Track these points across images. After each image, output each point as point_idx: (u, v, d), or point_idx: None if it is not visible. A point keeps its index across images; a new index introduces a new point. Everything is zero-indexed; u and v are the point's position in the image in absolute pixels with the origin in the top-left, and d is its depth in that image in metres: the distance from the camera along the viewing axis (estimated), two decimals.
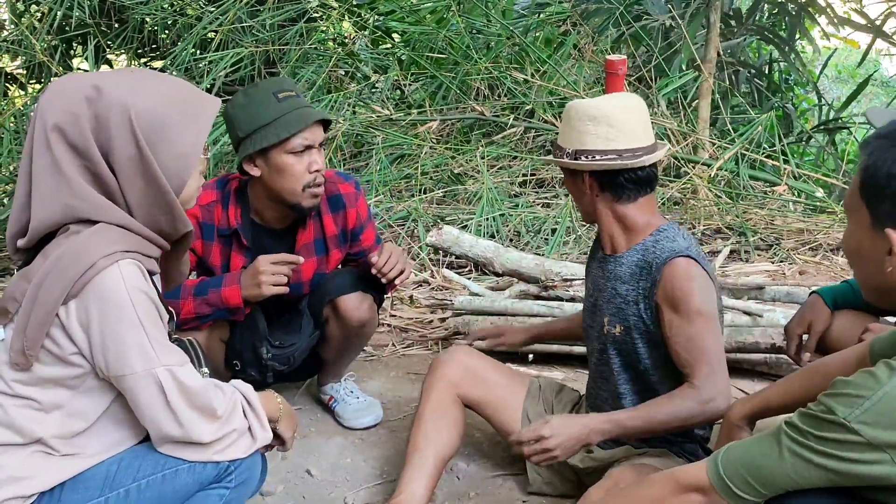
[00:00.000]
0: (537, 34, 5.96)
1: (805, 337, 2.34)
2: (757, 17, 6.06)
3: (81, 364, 1.68)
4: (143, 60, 6.22)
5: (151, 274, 1.74)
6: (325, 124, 2.51)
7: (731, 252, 4.30)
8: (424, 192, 4.81)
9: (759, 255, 4.29)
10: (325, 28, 5.93)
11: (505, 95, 5.44)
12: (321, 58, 5.39)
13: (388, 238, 4.42)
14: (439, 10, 5.69)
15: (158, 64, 5.98)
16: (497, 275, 3.70)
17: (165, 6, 5.64)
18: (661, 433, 2.12)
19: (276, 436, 1.90)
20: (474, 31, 5.67)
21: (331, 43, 6.04)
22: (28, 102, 5.24)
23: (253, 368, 2.61)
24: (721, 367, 2.05)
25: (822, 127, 5.97)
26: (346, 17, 5.94)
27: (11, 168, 4.85)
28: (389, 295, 3.19)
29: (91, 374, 1.70)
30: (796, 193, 4.98)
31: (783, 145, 5.04)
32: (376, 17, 6.12)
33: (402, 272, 2.55)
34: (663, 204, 4.71)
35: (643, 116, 2.15)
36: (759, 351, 2.97)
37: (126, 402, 1.72)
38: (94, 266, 1.62)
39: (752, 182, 4.99)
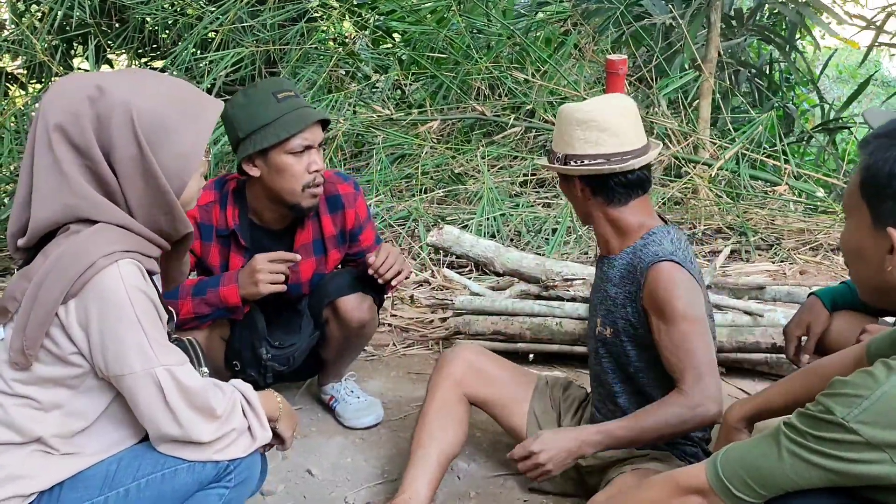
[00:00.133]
0: (538, 34, 5.95)
1: (804, 339, 2.35)
2: (757, 17, 6.05)
3: (81, 364, 1.68)
4: (143, 60, 6.21)
5: (151, 274, 1.74)
6: (324, 124, 2.52)
7: (732, 252, 4.30)
8: (425, 192, 4.81)
9: (759, 255, 4.29)
10: (325, 28, 5.92)
11: (505, 95, 5.43)
12: (322, 57, 5.39)
13: (389, 238, 4.42)
14: (440, 9, 5.68)
15: (159, 64, 5.98)
16: (498, 275, 3.69)
17: (166, 6, 5.64)
18: (653, 441, 2.11)
19: (276, 435, 1.90)
20: (475, 31, 5.67)
21: (331, 43, 6.04)
22: (29, 102, 5.24)
23: (252, 369, 2.61)
24: (710, 371, 2.03)
25: (822, 127, 5.96)
26: (347, 17, 5.94)
27: (12, 168, 4.85)
28: (389, 295, 3.19)
29: (90, 374, 1.70)
30: (797, 193, 4.98)
31: (784, 145, 5.04)
32: (377, 16, 6.12)
33: (399, 273, 2.55)
34: (664, 204, 4.70)
35: (633, 119, 2.13)
36: (760, 351, 2.97)
37: (125, 402, 1.72)
38: (94, 265, 1.62)
39: (753, 182, 4.99)
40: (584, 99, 2.25)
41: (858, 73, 9.29)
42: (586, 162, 2.08)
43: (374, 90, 5.81)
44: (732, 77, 5.87)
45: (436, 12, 5.78)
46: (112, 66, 6.28)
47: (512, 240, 4.43)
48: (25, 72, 5.91)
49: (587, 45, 5.68)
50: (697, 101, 5.29)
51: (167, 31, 5.71)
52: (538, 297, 3.38)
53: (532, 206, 4.71)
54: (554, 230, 4.39)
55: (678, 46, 5.39)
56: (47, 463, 1.71)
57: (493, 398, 2.42)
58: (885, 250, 1.40)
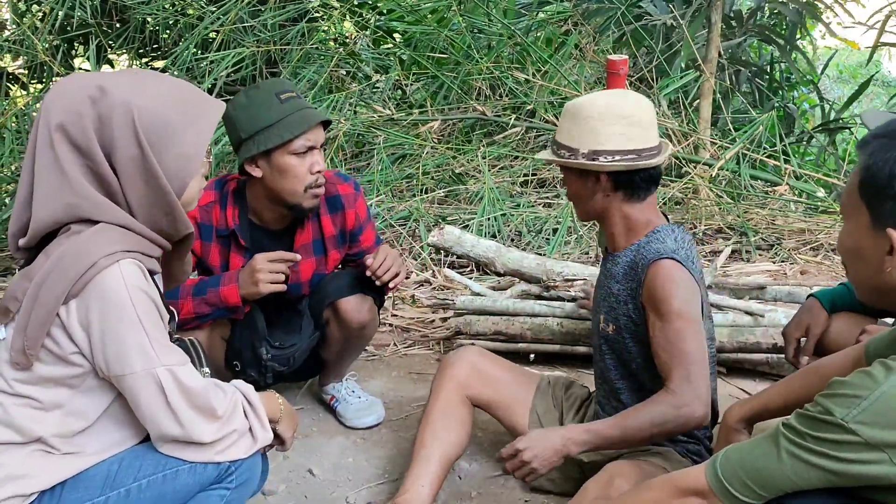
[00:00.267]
0: (538, 34, 5.96)
1: (803, 340, 2.35)
2: (757, 17, 6.05)
3: (82, 363, 1.68)
4: (144, 60, 6.22)
5: (152, 273, 1.74)
6: (325, 125, 2.52)
7: (733, 252, 4.30)
8: (426, 192, 4.81)
9: (760, 255, 4.29)
10: (326, 28, 5.93)
11: (506, 95, 5.43)
12: (322, 58, 5.39)
13: (390, 237, 4.42)
14: (440, 9, 5.68)
15: (160, 64, 5.98)
16: (498, 275, 3.69)
17: (167, 6, 5.64)
18: (642, 441, 2.09)
19: (277, 436, 1.90)
20: (475, 31, 5.67)
21: (332, 43, 6.04)
22: (30, 102, 5.24)
23: (253, 369, 2.61)
24: (699, 372, 2.02)
25: (823, 127, 5.96)
26: (348, 17, 5.94)
27: (13, 168, 4.85)
28: (390, 295, 3.19)
29: (91, 374, 1.70)
30: (797, 193, 4.97)
31: (784, 145, 5.04)
32: (377, 16, 6.12)
33: (397, 275, 2.55)
34: (664, 203, 4.70)
35: (654, 115, 2.14)
36: (761, 351, 2.97)
37: (126, 402, 1.72)
38: (95, 265, 1.62)
39: (754, 182, 4.99)
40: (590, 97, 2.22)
41: (859, 72, 9.29)
42: (617, 158, 2.06)
43: (374, 90, 5.81)
44: (733, 77, 5.86)
45: (436, 12, 5.78)
46: (113, 67, 6.29)
47: (513, 240, 4.43)
48: (26, 72, 5.92)
49: (588, 46, 5.68)
50: (698, 101, 5.29)
51: (168, 32, 5.71)
52: (539, 297, 3.38)
53: (533, 206, 4.71)
54: (555, 230, 4.39)
55: (679, 47, 5.39)
56: (48, 463, 1.71)
57: (495, 400, 2.43)
58: (885, 251, 1.40)
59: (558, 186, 4.96)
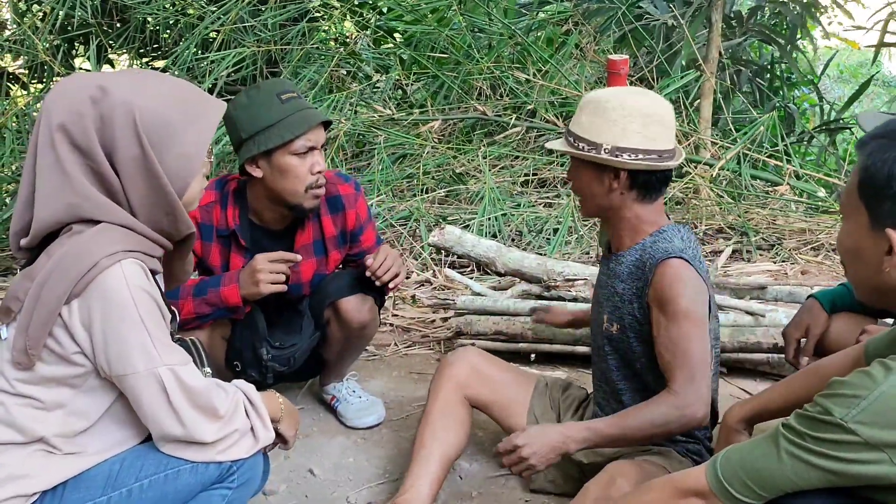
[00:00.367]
0: (539, 34, 5.96)
1: (803, 341, 2.35)
2: (758, 17, 6.05)
3: (83, 363, 1.68)
4: (144, 60, 6.22)
5: (154, 273, 1.74)
6: (326, 125, 2.52)
7: (733, 252, 4.30)
8: (426, 192, 4.81)
9: (760, 255, 4.29)
10: (326, 28, 5.93)
11: (507, 95, 5.43)
12: (323, 57, 5.39)
13: (390, 237, 4.42)
14: (441, 8, 5.68)
15: (160, 64, 5.98)
16: (499, 274, 3.70)
17: (167, 6, 5.64)
18: (641, 440, 2.10)
19: (278, 435, 1.91)
20: (476, 30, 5.67)
21: (332, 43, 6.04)
22: (30, 102, 5.24)
23: (253, 369, 2.61)
24: (701, 374, 2.02)
25: (823, 127, 5.96)
26: (348, 17, 5.94)
27: (14, 167, 4.85)
28: (391, 295, 3.18)
29: (93, 374, 1.70)
30: (798, 193, 4.97)
31: (785, 145, 5.03)
32: (378, 16, 6.12)
33: (397, 275, 2.55)
34: (665, 203, 4.69)
35: (674, 117, 2.14)
36: (762, 351, 2.97)
37: (128, 402, 1.72)
38: (97, 265, 1.62)
39: (754, 182, 4.99)
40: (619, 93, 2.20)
41: (860, 72, 9.29)
42: (640, 156, 2.05)
43: (375, 90, 5.81)
44: (733, 77, 5.86)
45: (437, 11, 5.78)
46: (113, 66, 6.29)
47: (513, 240, 4.43)
48: (27, 72, 5.92)
49: (588, 45, 5.67)
50: (698, 101, 5.29)
51: (168, 31, 5.71)
52: (540, 297, 3.38)
53: (533, 206, 4.71)
54: (555, 230, 4.39)
55: (679, 46, 5.39)
56: (49, 462, 1.71)
57: (494, 400, 2.43)
58: (884, 251, 1.40)
59: (559, 186, 4.96)
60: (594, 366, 2.38)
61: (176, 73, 4.99)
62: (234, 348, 2.63)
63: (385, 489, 2.52)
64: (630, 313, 2.15)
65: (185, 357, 1.73)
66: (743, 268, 4.10)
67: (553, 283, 3.33)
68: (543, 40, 5.93)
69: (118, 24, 5.85)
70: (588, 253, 4.27)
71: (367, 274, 2.53)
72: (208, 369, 1.87)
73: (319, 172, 2.48)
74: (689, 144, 5.05)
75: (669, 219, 2.23)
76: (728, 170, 4.89)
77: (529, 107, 5.32)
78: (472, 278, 3.90)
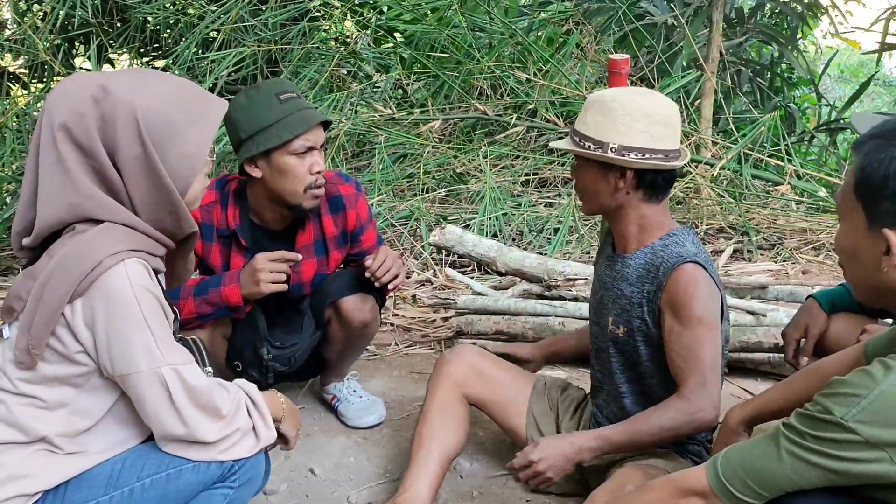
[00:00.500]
0: (539, 33, 5.96)
1: (803, 342, 2.35)
2: (758, 17, 6.05)
3: (86, 362, 1.68)
4: (145, 60, 6.22)
5: (157, 272, 1.74)
6: (326, 125, 2.52)
7: (734, 251, 4.30)
8: (427, 192, 4.81)
9: (761, 255, 4.29)
10: (327, 27, 5.93)
11: (507, 95, 5.43)
12: (323, 57, 5.39)
13: (391, 237, 4.42)
14: (441, 7, 5.68)
15: (160, 63, 5.98)
16: (500, 274, 3.70)
17: (168, 5, 5.64)
18: (651, 445, 2.11)
19: (280, 435, 1.91)
20: (476, 30, 5.67)
21: (333, 42, 6.04)
22: (31, 102, 5.24)
23: (254, 369, 2.61)
24: (713, 379, 2.04)
25: (824, 127, 5.96)
26: (349, 17, 5.94)
27: (14, 167, 4.85)
28: (391, 295, 3.18)
29: (96, 373, 1.70)
30: (799, 193, 4.98)
31: (786, 145, 5.04)
32: (378, 16, 6.12)
33: (396, 276, 2.55)
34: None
35: (680, 118, 2.14)
36: (763, 350, 2.97)
37: (130, 401, 1.72)
38: (100, 265, 1.62)
39: (755, 181, 4.99)
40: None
41: (860, 72, 9.28)
42: (647, 156, 2.05)
43: (375, 90, 5.81)
44: (734, 77, 5.86)
45: (437, 11, 5.78)
46: (114, 66, 6.29)
47: (514, 239, 4.43)
48: (27, 71, 5.92)
49: (589, 45, 5.68)
50: (699, 100, 5.29)
51: (169, 31, 5.72)
52: (540, 296, 3.38)
53: (534, 205, 4.72)
54: (556, 230, 4.39)
55: (680, 46, 5.39)
56: (51, 462, 1.71)
57: (492, 399, 2.43)
58: (881, 251, 1.40)
59: (560, 186, 4.96)
60: (594, 367, 2.37)
61: (176, 72, 4.99)
62: (235, 348, 2.63)
63: (386, 489, 2.51)
64: (639, 316, 2.14)
65: (188, 356, 1.73)
66: (744, 267, 4.10)
67: (554, 283, 3.33)
68: (544, 40, 5.93)
69: (118, 24, 5.85)
70: (588, 252, 4.27)
71: (367, 275, 2.54)
72: (210, 369, 1.87)
73: (319, 172, 2.47)
74: (690, 144, 5.05)
75: (677, 223, 2.23)
76: (729, 169, 4.90)
77: (530, 106, 5.32)
78: (472, 278, 3.90)
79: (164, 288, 1.82)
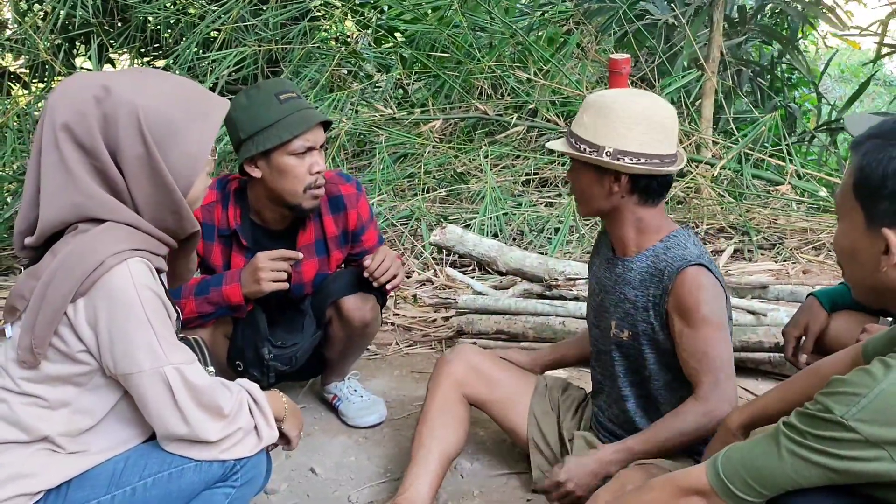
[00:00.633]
0: (540, 33, 5.96)
1: (803, 339, 2.35)
2: (758, 18, 6.05)
3: (89, 362, 1.68)
4: (145, 59, 6.22)
5: (159, 272, 1.75)
6: (326, 125, 2.52)
7: (735, 251, 4.30)
8: (427, 192, 4.81)
9: (762, 255, 4.29)
10: (327, 27, 5.93)
11: (508, 94, 5.43)
12: (324, 57, 5.39)
13: (392, 237, 4.42)
14: (442, 7, 5.69)
15: (161, 63, 5.99)
16: (500, 274, 3.70)
17: (168, 5, 5.64)
18: (674, 450, 2.11)
19: (282, 435, 1.91)
20: (477, 29, 5.67)
21: (333, 42, 6.05)
22: (31, 102, 5.24)
23: (255, 368, 2.61)
24: (726, 376, 2.05)
25: (824, 127, 5.97)
26: (349, 16, 5.94)
27: (15, 167, 4.86)
28: (392, 295, 3.18)
29: (98, 372, 1.70)
30: (800, 193, 4.97)
31: (787, 145, 5.04)
32: (379, 15, 6.12)
33: (394, 277, 2.55)
34: (667, 203, 4.69)
35: (677, 122, 2.13)
36: (763, 350, 2.97)
37: (133, 400, 1.72)
38: (103, 264, 1.62)
39: (756, 181, 4.99)
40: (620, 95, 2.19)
41: (861, 72, 9.28)
42: (642, 160, 2.04)
43: (376, 89, 5.81)
44: (735, 77, 5.86)
45: (438, 10, 5.78)
46: (114, 66, 6.29)
47: (514, 239, 4.43)
48: (28, 71, 5.92)
49: (590, 45, 5.68)
50: (700, 100, 5.29)
51: (169, 31, 5.72)
52: (541, 296, 3.38)
53: (534, 205, 4.72)
54: (556, 229, 4.39)
55: (680, 46, 5.39)
56: (53, 461, 1.71)
57: (492, 399, 2.43)
58: (880, 251, 1.40)
59: (560, 186, 4.96)
60: (594, 369, 2.37)
61: (177, 72, 4.99)
62: (236, 347, 2.63)
63: (386, 488, 2.52)
64: (645, 320, 2.14)
65: (191, 356, 1.73)
66: (744, 267, 4.10)
67: (554, 283, 3.33)
68: (545, 40, 5.93)
69: (119, 24, 5.85)
70: (589, 252, 4.27)
71: (365, 275, 2.54)
72: (212, 368, 1.87)
73: (318, 173, 2.47)
74: (690, 144, 5.05)
75: (676, 224, 2.22)
76: (729, 169, 4.90)
77: (531, 106, 5.32)
78: (473, 277, 3.90)
79: (167, 287, 1.83)
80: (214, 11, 5.22)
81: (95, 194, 1.67)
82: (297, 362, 2.70)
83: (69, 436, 1.72)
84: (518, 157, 5.14)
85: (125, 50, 6.02)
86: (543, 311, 3.23)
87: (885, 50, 5.71)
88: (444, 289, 3.95)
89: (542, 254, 3.87)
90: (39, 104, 5.20)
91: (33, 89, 5.87)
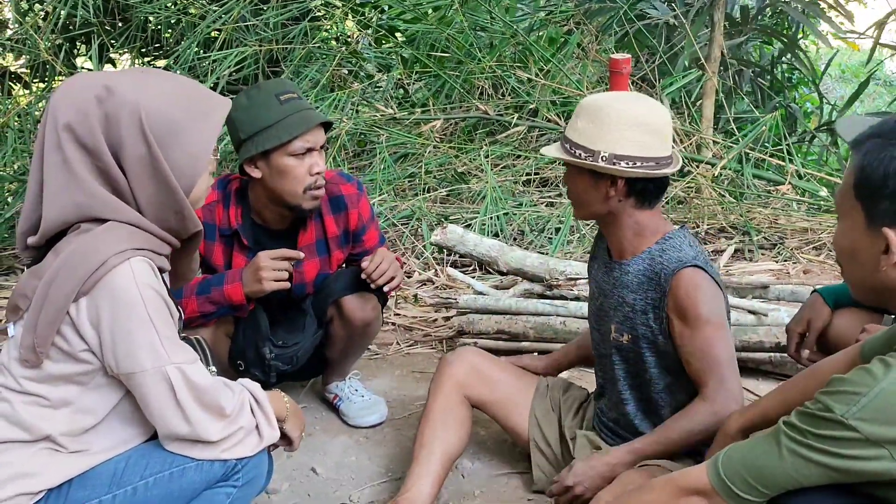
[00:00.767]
0: (541, 33, 5.96)
1: (806, 336, 2.35)
2: (759, 19, 6.05)
3: (91, 361, 1.68)
4: (146, 59, 6.22)
5: (162, 271, 1.75)
6: (327, 126, 2.52)
7: (735, 251, 4.30)
8: (428, 191, 4.81)
9: (763, 254, 4.29)
10: (328, 27, 5.93)
11: (509, 94, 5.43)
12: (325, 57, 5.39)
13: (392, 237, 4.42)
14: (442, 7, 5.69)
15: (162, 63, 5.99)
16: (501, 273, 3.70)
17: (169, 5, 5.64)
18: (682, 450, 2.11)
19: (283, 435, 1.91)
20: (477, 29, 5.67)
21: (334, 42, 6.05)
22: (32, 102, 5.24)
23: (256, 368, 2.61)
24: (732, 375, 2.06)
25: (825, 126, 5.96)
26: (350, 16, 5.94)
27: (16, 167, 4.86)
28: (393, 295, 3.18)
29: (100, 371, 1.70)
30: (800, 193, 4.97)
31: (787, 144, 5.04)
32: (379, 15, 6.12)
33: (392, 279, 2.55)
34: (667, 203, 4.71)
35: (671, 124, 2.13)
36: (764, 350, 2.97)
37: (134, 400, 1.73)
38: (106, 264, 1.62)
39: (756, 181, 4.99)
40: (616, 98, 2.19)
41: (861, 72, 9.27)
42: (638, 164, 2.03)
43: (376, 89, 5.81)
44: (736, 77, 5.86)
45: (438, 10, 5.78)
46: (115, 66, 6.29)
47: (515, 239, 4.43)
48: (29, 71, 5.92)
49: (590, 45, 5.68)
50: (701, 100, 5.29)
51: (170, 31, 5.72)
52: (542, 296, 3.38)
53: (535, 205, 4.72)
54: (557, 229, 4.39)
55: (681, 45, 5.39)
56: (55, 461, 1.71)
57: (494, 400, 2.43)
58: (880, 250, 1.40)
59: (560, 186, 4.96)
60: (597, 373, 2.38)
61: (178, 72, 4.99)
62: (238, 347, 2.63)
63: (387, 488, 2.52)
64: (644, 323, 2.14)
65: (193, 355, 1.73)
66: (745, 267, 4.10)
67: (555, 282, 3.33)
68: (545, 40, 5.93)
69: (120, 24, 5.85)
70: (589, 252, 4.27)
71: (363, 277, 2.54)
72: (214, 368, 1.87)
73: (318, 173, 2.47)
74: (691, 144, 5.05)
75: (674, 225, 2.22)
76: (730, 169, 4.90)
77: (531, 106, 5.32)
78: (474, 277, 3.90)
79: (169, 287, 1.83)
80: (215, 11, 5.22)
81: (98, 194, 1.67)
82: (298, 362, 2.70)
83: (71, 435, 1.72)
84: (519, 156, 5.15)
85: (126, 50, 6.02)
86: (544, 311, 3.23)
87: (885, 52, 5.71)
88: (445, 289, 3.95)
89: (542, 254, 3.87)
90: (40, 104, 5.20)
91: (34, 89, 5.87)
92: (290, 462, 2.61)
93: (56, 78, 5.53)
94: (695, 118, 5.21)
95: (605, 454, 2.16)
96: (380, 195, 4.66)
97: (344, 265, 2.79)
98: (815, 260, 4.20)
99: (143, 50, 6.13)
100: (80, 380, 1.70)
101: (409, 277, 4.06)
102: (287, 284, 2.50)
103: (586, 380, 2.65)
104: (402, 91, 5.97)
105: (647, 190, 2.09)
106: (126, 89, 1.67)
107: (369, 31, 6.04)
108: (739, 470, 1.49)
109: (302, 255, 2.51)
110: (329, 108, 4.93)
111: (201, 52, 5.43)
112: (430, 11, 5.76)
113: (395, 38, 6.41)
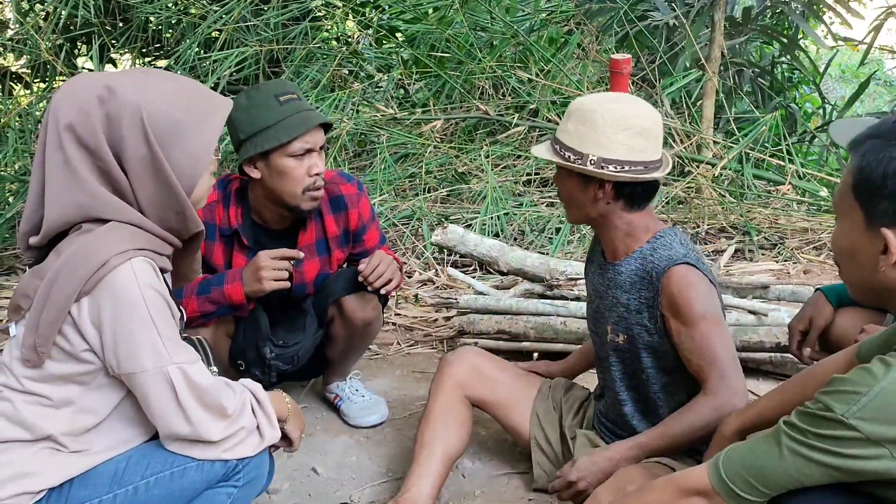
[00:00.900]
0: (541, 33, 5.96)
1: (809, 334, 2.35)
2: (759, 20, 6.05)
3: (93, 361, 1.69)
4: (147, 60, 6.23)
5: (163, 272, 1.75)
6: (326, 127, 2.52)
7: (736, 251, 4.31)
8: (429, 192, 4.82)
9: (763, 255, 4.29)
10: (329, 27, 5.93)
11: (509, 95, 5.44)
12: (325, 57, 5.40)
13: (393, 236, 4.43)
14: (443, 7, 5.69)
15: (162, 63, 5.99)
16: (502, 273, 3.70)
17: (169, 5, 5.65)
18: (686, 445, 2.11)
19: (284, 436, 1.91)
20: (478, 29, 5.67)
21: (335, 42, 6.05)
22: (33, 102, 5.25)
23: (257, 368, 2.62)
24: (733, 368, 2.05)
25: (825, 126, 5.96)
26: (350, 16, 5.95)
27: (16, 167, 4.86)
28: (393, 295, 3.19)
29: (102, 371, 1.70)
30: (800, 193, 4.98)
31: (788, 145, 5.04)
32: (380, 15, 6.12)
33: (389, 282, 2.56)
34: (667, 203, 4.71)
35: (662, 127, 2.13)
36: (764, 350, 2.97)
37: (136, 400, 1.73)
38: (107, 264, 1.63)
39: (757, 181, 4.99)
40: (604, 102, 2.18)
41: (861, 72, 9.27)
42: (626, 168, 2.03)
43: (377, 89, 5.82)
44: (736, 77, 5.86)
45: (438, 10, 5.78)
46: (116, 66, 6.30)
47: (515, 239, 4.43)
48: (30, 71, 5.92)
49: (591, 45, 5.68)
50: (701, 100, 5.29)
51: (171, 31, 5.72)
52: (542, 295, 3.38)
53: (535, 205, 4.72)
54: (557, 229, 4.39)
55: (682, 46, 5.39)
56: (56, 460, 1.72)
57: (494, 399, 2.43)
58: (879, 251, 1.40)
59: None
60: (598, 374, 2.39)
61: (179, 72, 5.00)
62: (238, 347, 2.63)
63: (388, 488, 2.52)
64: (639, 323, 2.14)
65: (194, 355, 1.74)
66: (745, 267, 4.10)
67: (555, 282, 3.34)
68: (545, 40, 5.93)
69: (120, 24, 5.86)
70: None
71: (360, 279, 2.54)
72: (215, 368, 1.87)
73: (318, 174, 2.47)
74: (691, 144, 5.05)
75: (665, 223, 2.22)
76: (730, 169, 4.90)
77: (532, 106, 5.32)
78: (474, 277, 3.90)
79: (170, 287, 1.83)
80: (216, 11, 5.23)
81: (99, 194, 1.68)
82: (298, 362, 2.70)
83: (72, 435, 1.72)
84: (519, 157, 5.15)
85: (127, 50, 6.03)
86: (545, 311, 3.23)
87: (884, 54, 5.71)
88: (446, 289, 3.95)
89: (543, 254, 3.88)
90: (41, 104, 5.21)
91: (35, 89, 5.88)
92: (291, 462, 2.62)
93: (57, 78, 5.53)
94: (695, 118, 5.21)
95: (608, 449, 2.16)
96: (380, 195, 4.66)
97: (345, 265, 2.79)
98: (816, 260, 4.20)
99: (144, 50, 6.13)
100: (81, 380, 1.70)
101: (409, 277, 4.06)
102: (287, 284, 2.50)
103: (587, 380, 2.65)
104: (402, 91, 5.97)
105: (635, 193, 2.10)
106: (127, 90, 1.67)
107: (370, 32, 6.04)
108: (740, 470, 1.50)
109: (302, 254, 2.52)
110: (329, 108, 4.94)
111: (202, 52, 5.43)
112: (430, 11, 5.77)
113: (396, 38, 6.41)
